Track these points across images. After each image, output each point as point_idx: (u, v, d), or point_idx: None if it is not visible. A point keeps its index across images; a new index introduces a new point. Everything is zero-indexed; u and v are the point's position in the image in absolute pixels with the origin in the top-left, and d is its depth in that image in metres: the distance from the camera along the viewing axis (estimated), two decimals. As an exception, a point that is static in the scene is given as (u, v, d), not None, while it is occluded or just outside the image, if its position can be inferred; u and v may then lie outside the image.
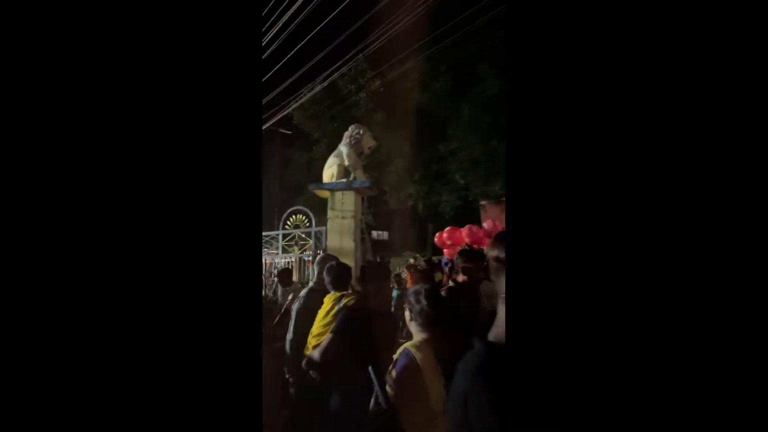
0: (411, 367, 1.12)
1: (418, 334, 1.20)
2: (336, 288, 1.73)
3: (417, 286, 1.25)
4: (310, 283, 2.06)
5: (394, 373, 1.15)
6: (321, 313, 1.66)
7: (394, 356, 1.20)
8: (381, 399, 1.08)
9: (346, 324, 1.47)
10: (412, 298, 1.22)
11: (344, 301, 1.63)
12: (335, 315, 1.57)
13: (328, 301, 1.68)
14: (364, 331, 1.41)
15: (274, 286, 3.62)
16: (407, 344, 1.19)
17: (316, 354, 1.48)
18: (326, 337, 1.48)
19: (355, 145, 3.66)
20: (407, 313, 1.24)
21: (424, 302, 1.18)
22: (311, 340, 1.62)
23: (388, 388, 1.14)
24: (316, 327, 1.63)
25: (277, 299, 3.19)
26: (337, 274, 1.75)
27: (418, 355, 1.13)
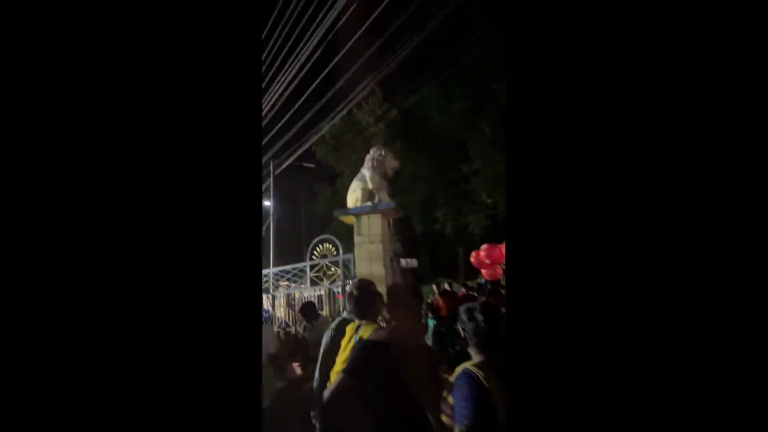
0: (477, 388, 0.93)
1: (475, 356, 1.05)
2: (359, 316, 1.47)
3: (469, 304, 1.11)
4: (343, 313, 1.81)
5: (451, 399, 0.98)
6: (342, 344, 1.42)
7: (451, 378, 1.04)
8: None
9: (359, 361, 1.20)
10: (465, 317, 1.09)
11: (360, 332, 1.36)
12: (353, 349, 1.33)
13: (349, 331, 1.43)
14: (386, 369, 1.14)
15: (303, 321, 3.43)
16: (465, 364, 1.02)
17: (326, 395, 1.21)
18: (336, 377, 1.23)
19: (378, 167, 3.55)
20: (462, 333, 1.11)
21: (479, 317, 1.05)
22: (332, 377, 1.37)
23: (444, 418, 0.98)
24: (338, 362, 1.39)
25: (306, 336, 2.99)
26: (359, 299, 1.47)
27: (481, 375, 0.95)
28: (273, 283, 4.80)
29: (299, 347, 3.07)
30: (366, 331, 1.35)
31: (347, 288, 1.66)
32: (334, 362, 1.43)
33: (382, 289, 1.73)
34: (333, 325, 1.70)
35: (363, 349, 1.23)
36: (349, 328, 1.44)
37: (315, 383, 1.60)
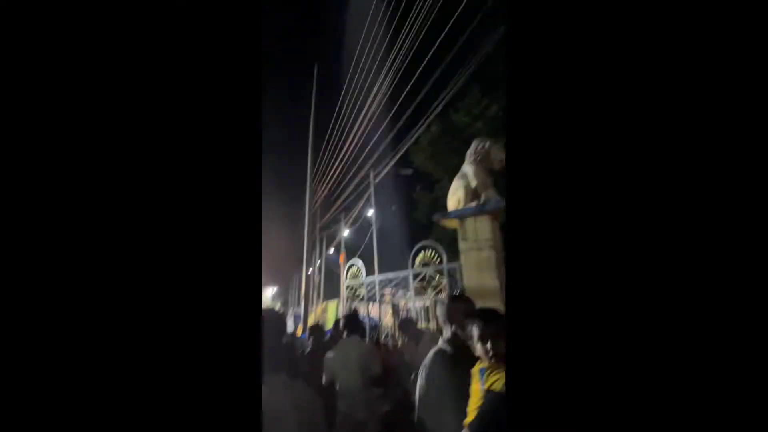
0: None
1: None
2: (468, 351, 1.09)
3: None
4: (439, 342, 1.33)
5: None
6: (471, 390, 1.05)
7: None
8: None
9: (489, 421, 0.87)
10: None
11: (489, 380, 0.98)
12: (481, 400, 0.95)
13: (474, 375, 1.04)
14: None
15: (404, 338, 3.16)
16: None
17: None
18: None
19: (482, 161, 3.08)
20: None
21: None
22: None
23: None
24: (470, 411, 1.02)
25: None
26: (465, 321, 1.10)
27: None
28: (378, 291, 4.74)
29: (405, 366, 2.82)
30: (497, 380, 0.96)
31: (437, 308, 1.29)
32: (435, 408, 1.08)
33: (496, 305, 1.30)
34: (427, 360, 1.28)
35: (497, 410, 0.86)
36: (476, 372, 1.06)
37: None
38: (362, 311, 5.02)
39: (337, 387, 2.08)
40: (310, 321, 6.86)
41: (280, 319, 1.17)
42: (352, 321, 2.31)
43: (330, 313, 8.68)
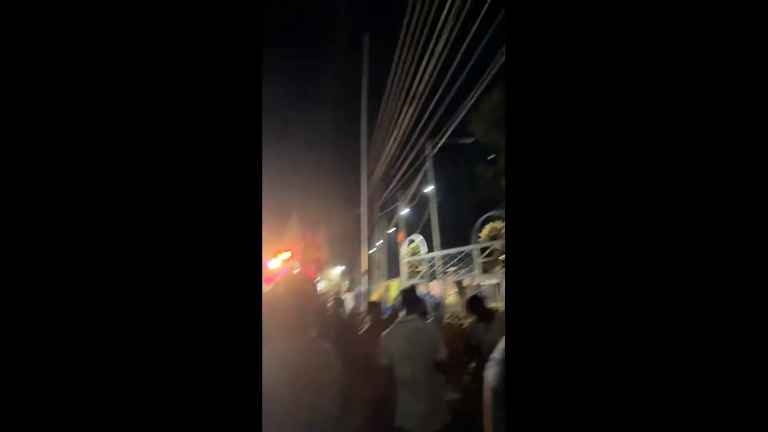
0: None
1: None
2: None
3: None
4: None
5: None
6: None
7: None
8: None
9: None
10: None
11: None
12: None
13: None
14: None
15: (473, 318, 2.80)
16: None
17: None
18: None
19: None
20: None
21: None
22: None
23: None
24: None
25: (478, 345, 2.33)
26: None
27: None
28: (440, 268, 4.42)
29: (472, 349, 2.49)
30: None
31: (502, 286, 0.96)
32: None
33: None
34: (499, 351, 0.95)
35: None
36: None
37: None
38: (423, 289, 4.76)
39: (396, 371, 1.85)
40: (372, 299, 6.86)
41: (311, 282, 1.13)
42: (410, 297, 2.05)
43: (392, 291, 8.63)
